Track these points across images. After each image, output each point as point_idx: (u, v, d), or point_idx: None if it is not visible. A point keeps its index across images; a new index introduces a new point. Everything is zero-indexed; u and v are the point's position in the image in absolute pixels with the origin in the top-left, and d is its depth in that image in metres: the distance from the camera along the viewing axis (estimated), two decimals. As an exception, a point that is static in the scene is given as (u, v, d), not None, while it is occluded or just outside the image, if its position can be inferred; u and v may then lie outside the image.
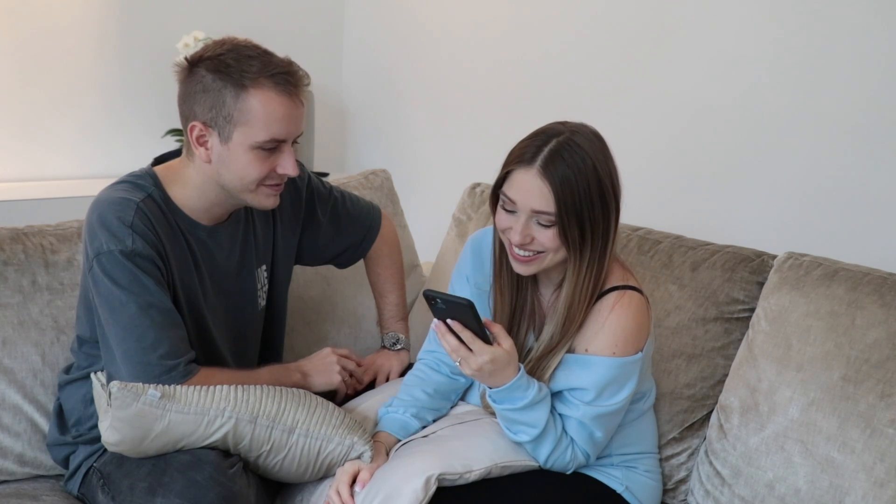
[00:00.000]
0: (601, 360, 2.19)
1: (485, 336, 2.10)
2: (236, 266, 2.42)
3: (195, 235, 2.33)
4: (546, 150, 2.10)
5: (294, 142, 2.27)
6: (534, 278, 2.30)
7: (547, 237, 2.13)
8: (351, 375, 2.54)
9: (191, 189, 2.30)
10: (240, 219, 2.42)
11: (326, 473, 2.28)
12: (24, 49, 4.02)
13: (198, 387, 2.17)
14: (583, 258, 2.16)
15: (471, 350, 2.10)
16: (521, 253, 2.16)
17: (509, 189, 2.14)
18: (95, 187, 4.09)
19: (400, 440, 2.31)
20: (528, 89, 3.92)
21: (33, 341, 2.46)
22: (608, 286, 2.22)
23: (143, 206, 2.23)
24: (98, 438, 2.27)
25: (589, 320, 2.22)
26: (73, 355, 2.43)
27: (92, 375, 2.27)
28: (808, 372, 2.31)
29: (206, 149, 2.23)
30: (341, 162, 4.86)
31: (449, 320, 2.09)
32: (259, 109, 2.18)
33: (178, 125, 4.32)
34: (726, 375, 2.51)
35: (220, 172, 2.24)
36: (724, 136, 3.32)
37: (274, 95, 2.18)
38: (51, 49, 4.09)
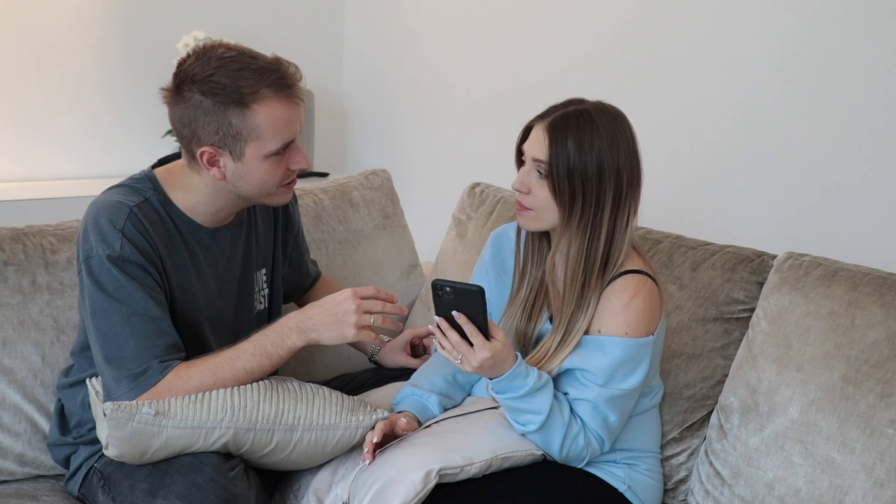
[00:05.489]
0: (613, 341, 2.22)
1: (486, 329, 2.12)
2: (238, 268, 2.42)
3: (197, 238, 2.32)
4: (559, 112, 2.22)
5: None
6: (552, 261, 2.34)
7: (541, 188, 2.22)
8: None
9: (197, 196, 2.29)
10: (242, 221, 2.42)
11: (339, 454, 2.28)
12: (25, 49, 4.03)
13: (192, 399, 2.14)
14: (571, 220, 2.22)
15: (471, 345, 2.11)
16: (521, 202, 2.26)
17: (525, 141, 2.27)
18: (96, 187, 4.08)
19: (420, 423, 2.32)
20: (526, 90, 3.92)
21: (33, 341, 2.46)
22: (623, 269, 2.26)
23: (137, 210, 2.21)
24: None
25: (602, 301, 2.25)
26: (72, 358, 2.42)
27: (87, 382, 2.27)
28: (808, 372, 2.30)
29: (220, 167, 2.22)
30: (341, 162, 4.86)
31: (454, 312, 2.10)
32: (266, 122, 2.17)
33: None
34: (726, 375, 2.50)
35: (237, 185, 2.24)
36: (725, 137, 3.32)
37: (276, 104, 2.17)
38: (52, 49, 4.09)
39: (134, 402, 2.11)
